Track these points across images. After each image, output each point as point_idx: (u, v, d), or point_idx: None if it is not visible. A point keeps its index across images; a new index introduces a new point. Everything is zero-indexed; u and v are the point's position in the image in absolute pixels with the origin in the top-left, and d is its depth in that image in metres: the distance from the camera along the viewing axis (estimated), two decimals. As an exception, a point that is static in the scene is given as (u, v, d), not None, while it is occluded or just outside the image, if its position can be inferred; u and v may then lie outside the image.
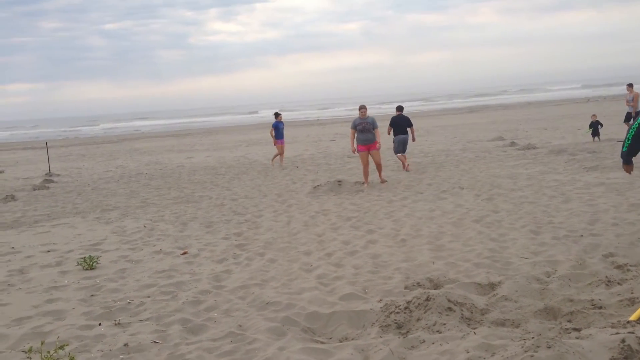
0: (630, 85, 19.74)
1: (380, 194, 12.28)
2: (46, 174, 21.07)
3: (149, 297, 6.49)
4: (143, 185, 16.78)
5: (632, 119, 18.83)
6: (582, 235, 7.70)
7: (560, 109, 43.84)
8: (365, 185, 13.23)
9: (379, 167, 13.66)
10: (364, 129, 13.28)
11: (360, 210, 10.63)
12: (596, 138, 19.51)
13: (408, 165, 15.67)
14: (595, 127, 19.62)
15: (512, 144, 20.14)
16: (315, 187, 13.39)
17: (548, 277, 6.02)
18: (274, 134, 19.23)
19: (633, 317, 4.59)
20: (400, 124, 15.61)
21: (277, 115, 19.74)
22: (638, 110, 18.84)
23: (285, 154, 22.63)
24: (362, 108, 13.46)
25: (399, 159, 15.97)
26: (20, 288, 7.15)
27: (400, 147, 15.67)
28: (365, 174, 13.50)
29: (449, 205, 10.46)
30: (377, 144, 13.37)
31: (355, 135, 13.44)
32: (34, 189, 17.09)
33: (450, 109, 64.08)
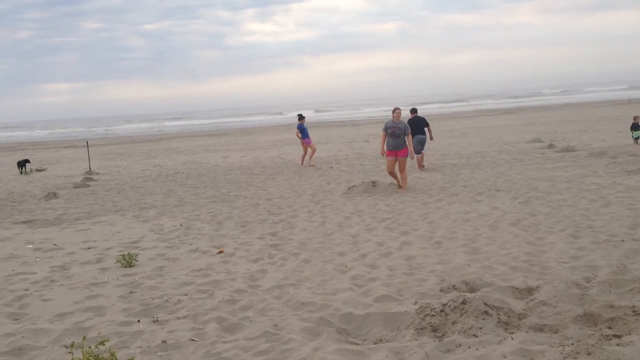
0: None
1: (415, 195, 12.21)
2: (87, 172, 21.58)
3: (186, 295, 6.60)
4: (180, 184, 17.05)
5: None
6: (623, 240, 7.52)
7: (600, 111, 42.81)
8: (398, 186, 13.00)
9: (403, 174, 12.93)
10: (393, 133, 12.75)
11: (394, 212, 10.59)
12: (638, 140, 19.01)
13: (422, 162, 16.39)
14: (637, 129, 19.13)
15: (551, 146, 19.77)
16: (349, 188, 13.39)
17: (588, 282, 5.90)
18: (300, 135, 19.62)
19: None
20: (417, 125, 16.25)
21: (300, 117, 20.11)
22: None
23: (320, 154, 22.73)
24: (397, 110, 12.92)
25: (417, 160, 16.27)
26: (62, 284, 7.35)
27: (419, 147, 16.22)
28: (393, 176, 13.09)
29: (484, 208, 10.34)
30: (408, 152, 12.80)
31: (386, 138, 12.97)
32: (75, 187, 17.53)
33: (487, 110, 63.22)
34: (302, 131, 19.55)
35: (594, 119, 33.43)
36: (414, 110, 16.90)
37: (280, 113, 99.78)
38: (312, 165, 19.26)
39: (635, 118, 19.46)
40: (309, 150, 19.68)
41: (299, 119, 19.96)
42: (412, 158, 13.10)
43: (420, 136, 16.22)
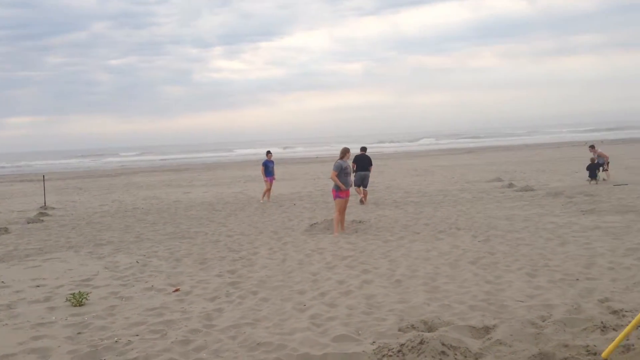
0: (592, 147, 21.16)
1: (378, 233, 12.21)
2: (41, 207, 20.99)
3: (137, 335, 6.36)
4: (138, 220, 16.70)
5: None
6: (578, 279, 7.62)
7: (558, 152, 44.09)
8: (336, 234, 12.21)
9: (344, 212, 12.78)
10: (349, 172, 12.63)
11: (356, 250, 10.55)
12: (592, 180, 19.58)
13: (364, 199, 17.53)
14: (592, 169, 19.73)
15: (510, 185, 20.16)
16: (311, 225, 13.32)
17: (543, 321, 5.92)
18: (263, 171, 19.92)
19: (604, 354, 4.57)
20: (365, 162, 17.52)
21: (267, 153, 20.54)
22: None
23: (283, 191, 22.78)
24: (349, 151, 12.77)
25: (357, 191, 17.68)
26: (6, 324, 7.01)
27: (359, 182, 17.55)
28: (339, 221, 12.53)
29: (445, 246, 10.39)
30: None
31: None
32: (28, 222, 16.98)
33: (450, 149, 64.45)
34: (266, 168, 19.77)
35: (552, 160, 34.36)
36: (363, 149, 18.09)
37: (231, 150, 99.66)
38: (266, 200, 19.60)
39: (592, 159, 20.01)
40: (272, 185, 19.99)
41: (266, 155, 20.34)
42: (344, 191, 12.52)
43: (364, 172, 17.47)
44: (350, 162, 12.81)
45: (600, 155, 20.14)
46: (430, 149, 68.91)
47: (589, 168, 19.90)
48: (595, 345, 5.02)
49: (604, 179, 19.84)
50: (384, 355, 5.13)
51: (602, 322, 5.56)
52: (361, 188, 17.61)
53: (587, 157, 21.47)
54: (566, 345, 5.08)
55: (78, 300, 7.64)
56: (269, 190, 19.86)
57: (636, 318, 4.50)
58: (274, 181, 20.16)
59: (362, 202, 17.39)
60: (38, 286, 8.93)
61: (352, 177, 12.72)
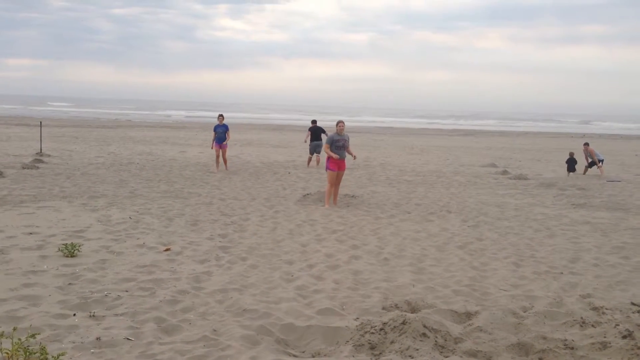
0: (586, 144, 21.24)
1: (369, 209, 12.31)
2: (37, 154, 20.96)
3: (126, 291, 6.47)
4: (133, 175, 16.73)
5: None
6: (562, 273, 7.76)
7: (555, 142, 44.15)
8: (327, 206, 12.38)
9: (338, 187, 12.79)
10: (342, 146, 12.45)
11: (346, 224, 10.65)
12: (570, 174, 20.09)
13: (317, 163, 20.65)
14: (570, 164, 20.36)
15: (504, 172, 20.26)
16: (304, 196, 13.40)
17: (524, 312, 6.06)
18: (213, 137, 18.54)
19: None
20: (316, 132, 20.49)
21: (218, 116, 18.79)
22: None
23: (278, 158, 22.74)
24: (340, 123, 12.61)
25: (310, 158, 21.00)
26: (-2, 269, 7.10)
27: (313, 150, 20.73)
28: (331, 194, 12.56)
29: (434, 228, 10.51)
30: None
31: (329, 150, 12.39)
32: (23, 168, 16.99)
33: (448, 129, 64.34)
34: (216, 132, 18.23)
35: (547, 149, 34.44)
36: (314, 121, 20.93)
37: (231, 112, 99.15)
38: (216, 170, 18.29)
39: (570, 153, 20.78)
40: (222, 153, 18.39)
41: (217, 118, 18.66)
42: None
43: (316, 142, 20.36)
44: (346, 135, 12.63)
45: (590, 154, 20.37)
46: (429, 127, 68.78)
47: (568, 162, 20.54)
48: (573, 340, 5.17)
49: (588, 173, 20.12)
50: (366, 332, 5.25)
51: (581, 318, 5.69)
52: (314, 155, 20.69)
53: (581, 149, 21.54)
54: (545, 338, 5.22)
55: (70, 251, 7.72)
56: (217, 158, 18.29)
57: None
58: (226, 148, 18.48)
59: (317, 164, 20.45)
60: (31, 233, 9.00)
61: (344, 151, 12.57)
